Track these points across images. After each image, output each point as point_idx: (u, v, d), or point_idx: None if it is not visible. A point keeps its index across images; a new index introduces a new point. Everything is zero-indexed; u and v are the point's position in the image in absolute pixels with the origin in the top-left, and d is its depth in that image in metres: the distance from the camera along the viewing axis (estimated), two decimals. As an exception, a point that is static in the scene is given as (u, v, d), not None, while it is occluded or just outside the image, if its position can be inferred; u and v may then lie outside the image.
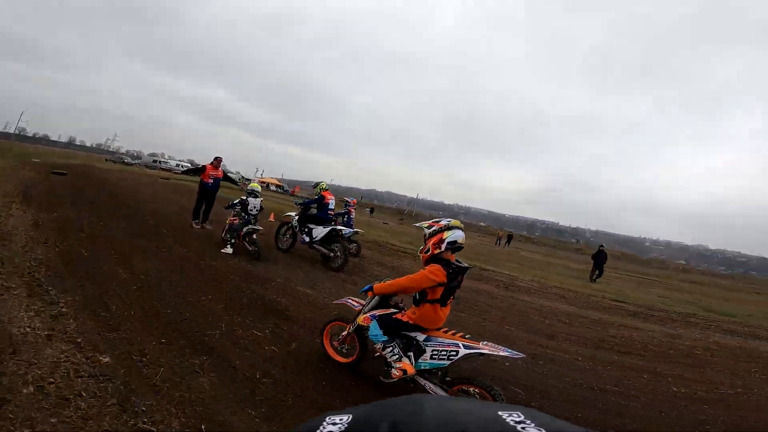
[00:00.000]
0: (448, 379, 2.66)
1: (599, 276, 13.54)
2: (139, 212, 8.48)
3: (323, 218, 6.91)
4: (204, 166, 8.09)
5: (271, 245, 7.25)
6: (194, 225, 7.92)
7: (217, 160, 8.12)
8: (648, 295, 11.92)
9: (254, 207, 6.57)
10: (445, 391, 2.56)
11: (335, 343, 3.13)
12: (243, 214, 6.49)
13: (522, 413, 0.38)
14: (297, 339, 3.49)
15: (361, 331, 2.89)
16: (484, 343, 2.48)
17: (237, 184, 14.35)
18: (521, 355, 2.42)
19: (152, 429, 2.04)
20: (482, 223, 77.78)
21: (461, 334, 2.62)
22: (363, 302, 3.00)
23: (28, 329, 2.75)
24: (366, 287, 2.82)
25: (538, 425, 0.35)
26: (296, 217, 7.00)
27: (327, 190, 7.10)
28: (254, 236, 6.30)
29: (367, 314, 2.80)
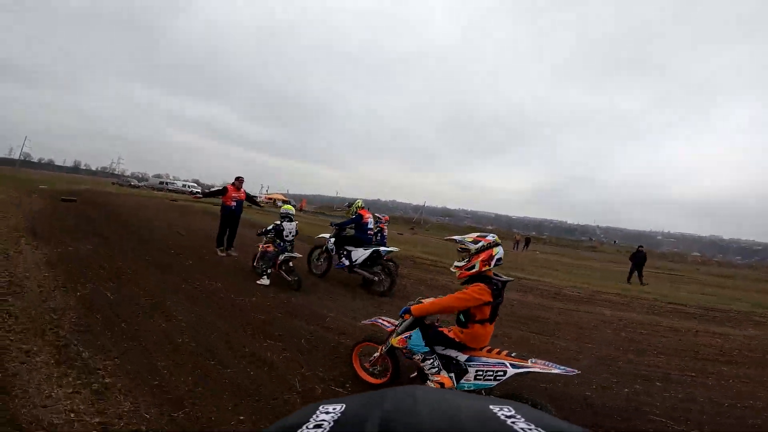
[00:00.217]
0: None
1: (639, 278, 12.76)
2: (157, 241, 7.89)
3: (362, 239, 6.30)
4: (225, 188, 7.46)
5: (303, 269, 6.64)
6: (219, 252, 7.33)
7: (239, 181, 7.52)
8: (692, 294, 11.16)
9: (290, 232, 5.92)
10: None
11: (366, 365, 3.02)
12: (277, 240, 5.89)
13: (513, 408, 0.39)
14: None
15: (394, 352, 2.81)
16: (533, 360, 2.32)
17: (261, 206, 13.87)
18: (575, 371, 2.22)
19: None
20: (489, 227, 76.77)
21: (506, 351, 2.47)
22: (395, 322, 2.90)
23: (72, 416, 2.12)
24: (403, 309, 2.68)
25: (528, 420, 0.36)
26: (332, 240, 6.39)
27: (364, 208, 6.49)
28: (290, 264, 5.69)
29: (402, 336, 2.67)
